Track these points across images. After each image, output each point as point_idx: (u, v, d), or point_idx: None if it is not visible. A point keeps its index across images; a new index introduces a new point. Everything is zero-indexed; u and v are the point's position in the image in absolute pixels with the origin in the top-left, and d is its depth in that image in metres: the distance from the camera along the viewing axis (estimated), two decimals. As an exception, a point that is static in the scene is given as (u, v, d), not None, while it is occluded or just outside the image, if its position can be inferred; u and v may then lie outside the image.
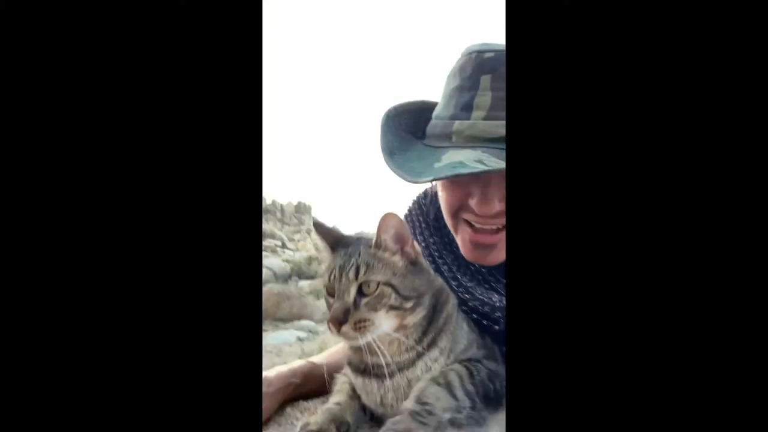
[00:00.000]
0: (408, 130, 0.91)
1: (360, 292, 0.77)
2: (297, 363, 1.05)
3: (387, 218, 0.80)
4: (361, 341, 0.75)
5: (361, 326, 0.76)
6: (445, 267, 0.95)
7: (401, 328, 0.80)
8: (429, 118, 0.89)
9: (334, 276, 0.78)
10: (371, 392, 0.83)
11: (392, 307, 0.78)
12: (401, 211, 1.10)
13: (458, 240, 0.90)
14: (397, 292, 0.78)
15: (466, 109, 0.80)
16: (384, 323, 0.78)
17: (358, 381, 0.85)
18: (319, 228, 0.85)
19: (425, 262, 0.87)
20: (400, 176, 0.81)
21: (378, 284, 0.77)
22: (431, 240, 1.00)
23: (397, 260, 0.80)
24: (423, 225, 1.02)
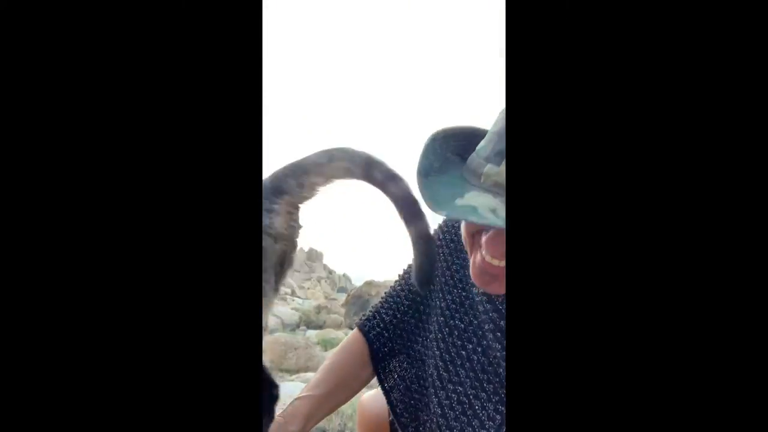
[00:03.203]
0: (455, 152, 0.92)
1: None
2: (293, 405, 1.00)
3: None
4: None
5: None
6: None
7: None
8: (477, 144, 0.89)
9: None
10: None
11: None
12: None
13: (470, 260, 0.91)
14: None
15: (499, 155, 0.81)
16: None
17: None
18: None
19: None
20: (424, 198, 0.82)
21: None
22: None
23: None
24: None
